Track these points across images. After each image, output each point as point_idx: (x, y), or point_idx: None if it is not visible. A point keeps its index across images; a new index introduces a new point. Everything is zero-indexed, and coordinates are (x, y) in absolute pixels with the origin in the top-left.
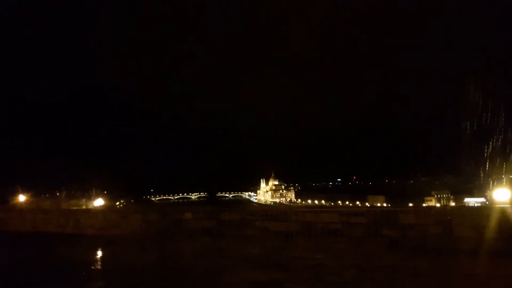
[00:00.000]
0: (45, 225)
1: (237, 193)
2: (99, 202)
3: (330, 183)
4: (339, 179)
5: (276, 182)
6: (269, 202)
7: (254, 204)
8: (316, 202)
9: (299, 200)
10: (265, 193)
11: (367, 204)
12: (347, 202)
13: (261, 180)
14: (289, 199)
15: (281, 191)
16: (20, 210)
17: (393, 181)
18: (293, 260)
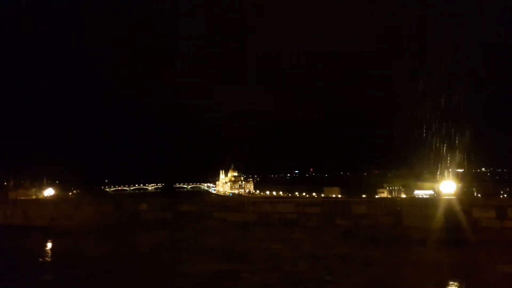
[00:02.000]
0: None
1: (196, 184)
2: (49, 192)
3: (288, 175)
4: (297, 171)
5: (236, 174)
6: (228, 193)
7: (213, 195)
8: (274, 193)
9: (258, 191)
10: (224, 184)
11: (322, 195)
12: (303, 193)
13: (221, 171)
14: (248, 190)
15: (240, 182)
16: None
17: (348, 174)
18: (251, 251)
